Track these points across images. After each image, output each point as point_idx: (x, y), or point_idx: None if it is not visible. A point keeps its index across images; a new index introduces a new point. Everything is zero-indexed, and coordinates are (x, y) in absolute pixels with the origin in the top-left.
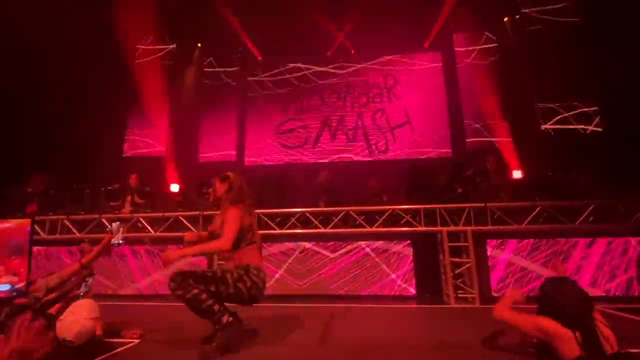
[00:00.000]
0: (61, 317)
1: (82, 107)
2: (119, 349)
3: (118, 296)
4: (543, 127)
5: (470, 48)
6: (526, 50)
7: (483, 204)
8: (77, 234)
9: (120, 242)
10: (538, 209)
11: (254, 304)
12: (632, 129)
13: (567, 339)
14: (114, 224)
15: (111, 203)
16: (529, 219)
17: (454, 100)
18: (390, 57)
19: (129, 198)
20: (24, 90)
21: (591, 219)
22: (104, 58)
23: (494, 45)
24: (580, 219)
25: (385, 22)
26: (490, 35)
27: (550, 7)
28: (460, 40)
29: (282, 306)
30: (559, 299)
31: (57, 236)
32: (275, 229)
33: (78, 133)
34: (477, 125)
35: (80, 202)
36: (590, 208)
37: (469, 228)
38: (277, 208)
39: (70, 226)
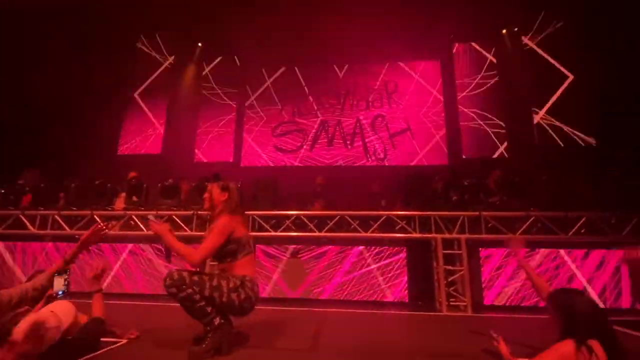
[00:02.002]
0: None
1: (78, 103)
2: (106, 348)
3: (107, 295)
4: (538, 137)
5: (469, 57)
6: (524, 61)
7: (478, 213)
8: (68, 229)
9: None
10: (532, 219)
11: (242, 316)
12: (626, 142)
13: (583, 355)
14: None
15: (101, 199)
16: (522, 228)
17: (451, 109)
18: (392, 62)
19: (123, 195)
20: (18, 85)
21: (583, 230)
22: (100, 53)
23: (492, 56)
24: (573, 230)
25: (388, 28)
26: (489, 46)
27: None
28: (460, 50)
29: (274, 309)
30: (575, 306)
31: (48, 231)
32: (269, 231)
33: (73, 130)
34: (474, 134)
35: (71, 198)
36: (583, 220)
37: (463, 236)
38: (272, 210)
39: (62, 222)
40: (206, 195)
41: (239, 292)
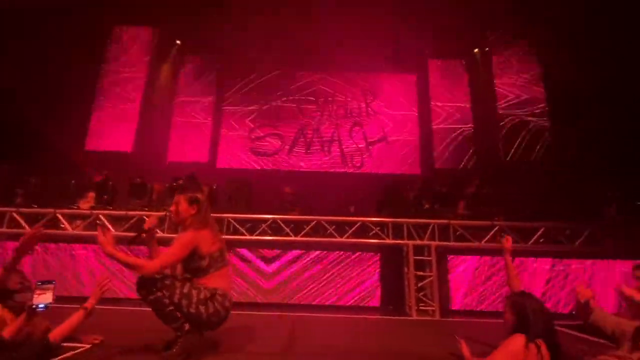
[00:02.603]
0: None
1: (44, 95)
2: (65, 354)
3: (79, 299)
4: (505, 151)
5: (444, 73)
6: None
7: (447, 221)
8: (28, 228)
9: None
10: (496, 228)
11: (209, 330)
12: (580, 159)
13: (532, 354)
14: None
15: (66, 197)
16: (487, 237)
17: (425, 121)
18: (371, 73)
19: (91, 194)
20: None
21: (542, 240)
22: (71, 42)
23: (464, 73)
24: (532, 239)
25: (368, 40)
26: (461, 63)
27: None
28: (434, 65)
29: (245, 314)
30: (527, 308)
31: (4, 230)
32: (245, 235)
33: (38, 122)
34: (446, 146)
35: (33, 195)
36: (541, 230)
37: (433, 243)
38: (248, 214)
39: (20, 219)
40: (172, 208)
41: (208, 305)
